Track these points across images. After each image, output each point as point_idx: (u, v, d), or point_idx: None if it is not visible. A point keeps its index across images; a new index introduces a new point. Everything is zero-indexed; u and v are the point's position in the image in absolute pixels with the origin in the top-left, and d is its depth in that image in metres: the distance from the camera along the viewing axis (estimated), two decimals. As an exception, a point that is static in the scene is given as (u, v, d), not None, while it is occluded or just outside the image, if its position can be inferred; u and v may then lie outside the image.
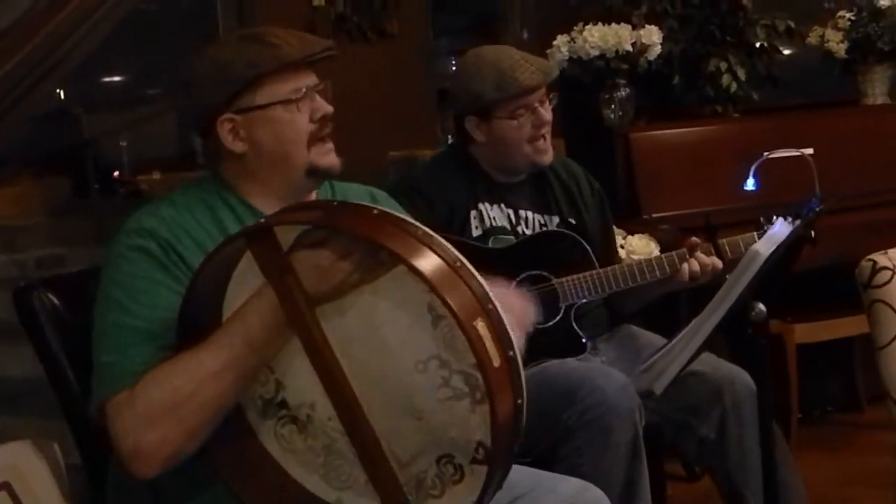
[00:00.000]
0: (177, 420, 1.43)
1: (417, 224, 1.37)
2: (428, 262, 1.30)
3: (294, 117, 1.64)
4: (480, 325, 1.29)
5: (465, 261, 1.34)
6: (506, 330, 1.32)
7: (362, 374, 1.39)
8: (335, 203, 1.60)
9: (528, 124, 2.36)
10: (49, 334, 1.72)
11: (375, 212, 1.39)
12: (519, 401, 1.33)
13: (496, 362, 1.29)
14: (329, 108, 1.67)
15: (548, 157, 2.40)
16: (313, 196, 1.73)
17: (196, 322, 1.46)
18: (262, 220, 1.45)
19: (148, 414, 1.44)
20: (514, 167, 2.42)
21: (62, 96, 6.25)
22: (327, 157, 1.67)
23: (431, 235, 1.35)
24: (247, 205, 1.66)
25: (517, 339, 1.34)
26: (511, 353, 1.32)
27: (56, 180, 5.74)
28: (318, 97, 1.66)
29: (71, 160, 5.82)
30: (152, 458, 1.44)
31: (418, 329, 1.34)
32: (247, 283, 1.44)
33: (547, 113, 2.38)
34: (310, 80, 1.66)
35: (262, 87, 1.62)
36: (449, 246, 1.35)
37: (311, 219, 1.41)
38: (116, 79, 7.05)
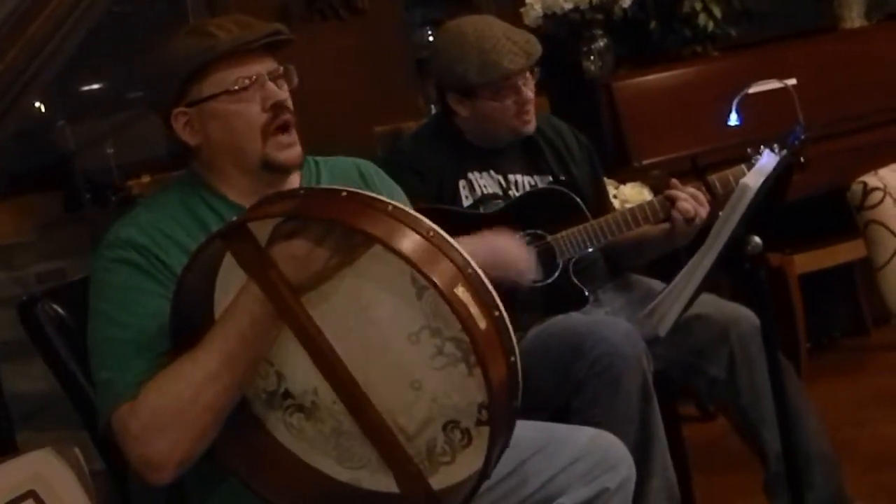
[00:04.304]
0: (182, 425, 1.44)
1: (387, 200, 1.36)
2: (402, 238, 1.30)
3: (242, 108, 1.58)
4: (461, 291, 1.29)
5: (438, 230, 1.33)
6: (488, 291, 1.33)
7: (358, 354, 1.40)
8: (302, 191, 1.56)
9: (511, 104, 2.34)
10: (57, 344, 1.73)
11: (344, 194, 1.36)
12: (512, 358, 1.33)
13: (482, 325, 1.29)
14: (282, 96, 1.60)
15: (531, 128, 2.39)
16: (296, 177, 1.70)
17: (188, 325, 1.46)
18: (234, 218, 1.43)
19: (153, 423, 1.44)
20: (498, 139, 2.41)
21: (42, 109, 6.22)
22: (284, 151, 1.61)
23: (402, 209, 1.34)
24: (223, 198, 1.64)
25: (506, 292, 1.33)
26: (496, 312, 1.32)
27: (47, 194, 5.74)
28: (269, 85, 1.59)
29: (60, 172, 5.80)
30: (164, 466, 1.45)
31: (404, 302, 1.35)
32: (232, 281, 1.44)
33: (530, 92, 2.35)
34: (262, 66, 1.59)
35: (209, 77, 1.57)
36: (421, 217, 1.34)
37: (281, 211, 1.40)
38: (95, 86, 7.02)
